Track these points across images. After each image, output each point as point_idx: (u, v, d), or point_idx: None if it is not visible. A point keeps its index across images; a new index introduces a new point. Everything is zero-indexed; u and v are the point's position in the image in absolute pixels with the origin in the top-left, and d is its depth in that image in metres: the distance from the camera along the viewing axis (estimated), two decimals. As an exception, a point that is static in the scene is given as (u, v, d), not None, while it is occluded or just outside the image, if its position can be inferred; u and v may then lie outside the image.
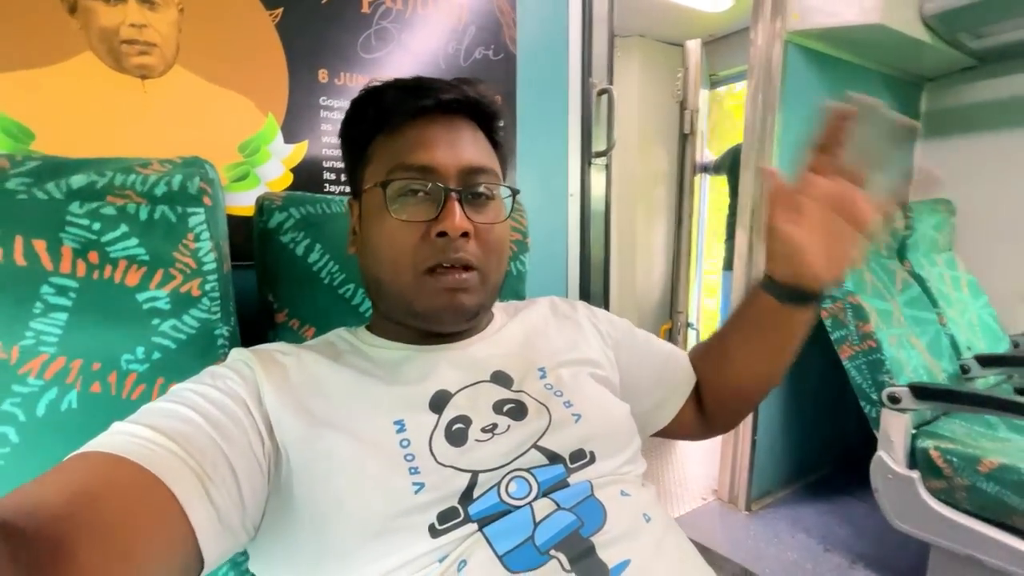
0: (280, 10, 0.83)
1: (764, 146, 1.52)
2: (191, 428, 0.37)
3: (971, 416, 1.38)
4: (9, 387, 0.49)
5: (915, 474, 1.21)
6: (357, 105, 0.52)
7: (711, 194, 2.68)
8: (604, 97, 1.20)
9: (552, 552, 0.38)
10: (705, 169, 2.37)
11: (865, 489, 1.31)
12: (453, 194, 0.47)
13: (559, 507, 0.41)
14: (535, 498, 0.42)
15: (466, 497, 0.41)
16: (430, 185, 0.47)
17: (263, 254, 0.67)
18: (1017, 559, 1.06)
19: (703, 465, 1.92)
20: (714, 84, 2.54)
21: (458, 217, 0.46)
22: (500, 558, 0.38)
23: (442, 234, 0.46)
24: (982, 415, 1.38)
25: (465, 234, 0.47)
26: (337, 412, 0.44)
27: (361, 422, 0.44)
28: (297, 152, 0.87)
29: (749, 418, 1.62)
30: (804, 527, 1.53)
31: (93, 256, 0.51)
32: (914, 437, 1.26)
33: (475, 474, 0.42)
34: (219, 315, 0.58)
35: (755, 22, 1.50)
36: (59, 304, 0.51)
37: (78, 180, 0.50)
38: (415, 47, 0.95)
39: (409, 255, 0.47)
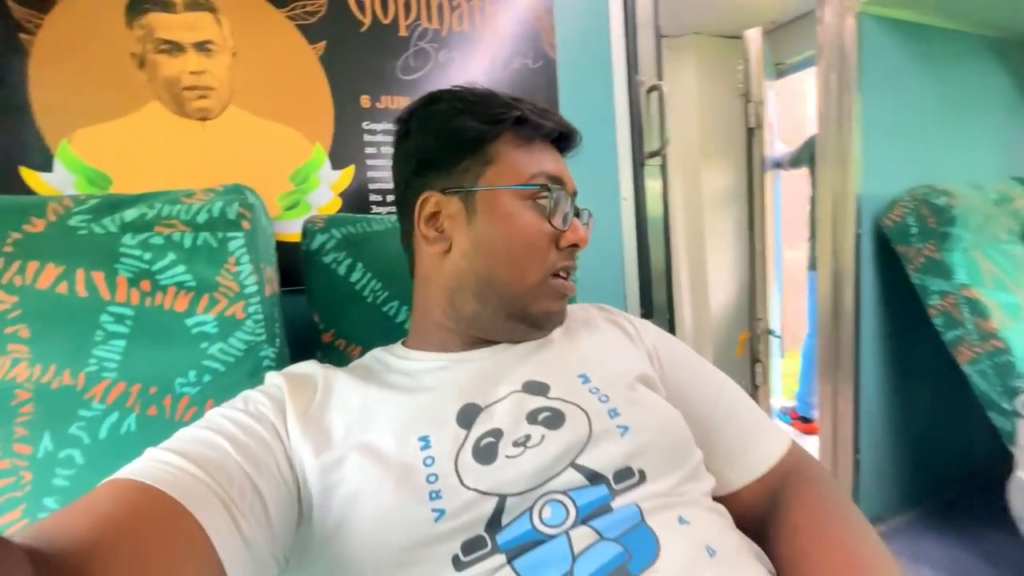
0: (323, 43, 0.86)
1: (843, 132, 1.38)
2: (219, 455, 0.37)
3: None
4: (76, 412, 0.52)
5: (1070, 498, 1.01)
6: (484, 104, 0.52)
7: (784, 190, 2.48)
8: (654, 95, 1.14)
9: None
10: (779, 164, 2.20)
11: (1002, 515, 1.10)
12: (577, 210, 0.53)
13: (602, 537, 0.36)
14: (572, 525, 0.37)
15: (493, 524, 0.37)
16: (568, 202, 0.52)
17: (309, 275, 0.69)
18: None
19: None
20: (780, 74, 2.38)
21: (583, 231, 0.52)
22: None
23: (573, 246, 0.51)
24: None
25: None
26: (358, 431, 0.43)
27: (383, 440, 0.42)
28: (344, 177, 0.89)
29: (848, 433, 1.43)
30: (928, 561, 1.32)
31: (145, 284, 0.54)
32: (1064, 454, 1.05)
33: (503, 498, 0.38)
34: (264, 336, 0.59)
35: (821, -2, 1.38)
36: (117, 332, 0.53)
37: (131, 214, 0.54)
38: (453, 64, 0.95)
39: (541, 257, 0.50)
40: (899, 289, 1.36)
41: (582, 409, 0.43)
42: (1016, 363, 1.12)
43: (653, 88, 1.14)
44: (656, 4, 1.15)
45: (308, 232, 0.68)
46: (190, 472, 0.35)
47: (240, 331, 0.58)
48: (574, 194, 0.54)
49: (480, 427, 0.43)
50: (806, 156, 2.12)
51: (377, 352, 0.56)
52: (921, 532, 1.43)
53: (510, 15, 0.99)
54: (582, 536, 0.36)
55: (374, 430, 0.42)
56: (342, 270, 0.68)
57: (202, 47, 0.80)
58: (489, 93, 0.53)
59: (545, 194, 0.50)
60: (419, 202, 0.52)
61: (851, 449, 1.42)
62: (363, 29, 0.88)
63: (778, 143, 2.31)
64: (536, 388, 0.46)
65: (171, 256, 0.54)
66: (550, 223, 0.50)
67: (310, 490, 0.40)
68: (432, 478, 0.39)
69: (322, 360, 0.69)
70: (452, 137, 0.51)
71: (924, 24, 1.42)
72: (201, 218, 0.55)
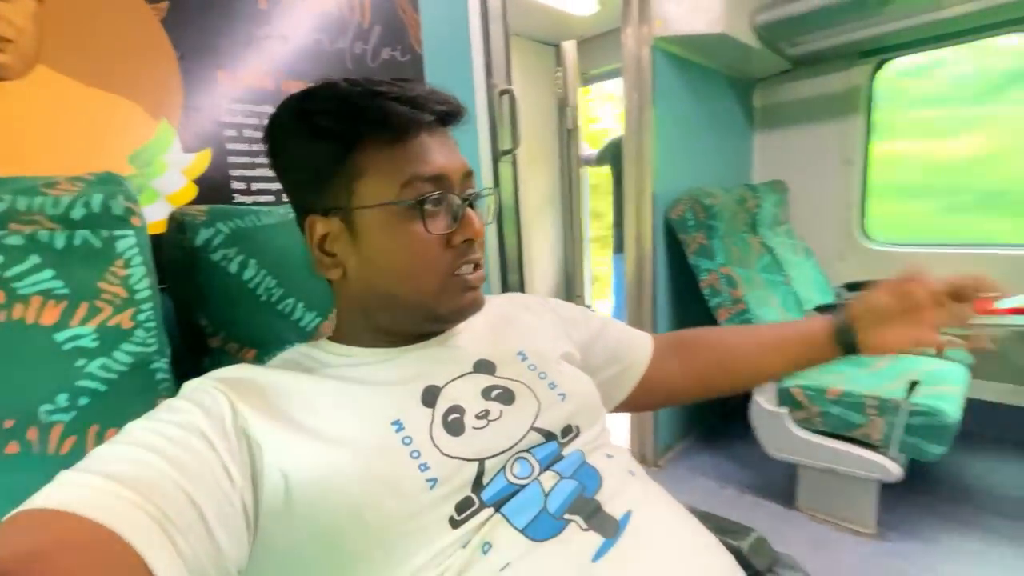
0: (165, 4, 0.74)
1: (643, 137, 1.69)
2: (148, 471, 0.34)
3: (816, 356, 1.69)
4: None
5: (784, 410, 1.47)
6: (336, 109, 0.47)
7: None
8: (506, 97, 1.25)
9: (567, 516, 0.43)
10: (587, 162, 2.55)
11: (747, 430, 1.55)
12: (466, 202, 0.49)
13: (561, 477, 0.46)
14: (539, 473, 0.46)
15: (477, 485, 0.43)
16: (453, 199, 0.48)
17: (189, 276, 0.61)
18: (863, 464, 1.34)
19: (615, 430, 2.10)
20: (586, 82, 2.73)
21: (478, 223, 0.49)
22: (522, 531, 0.41)
23: (468, 240, 0.48)
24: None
25: None
26: (331, 424, 0.43)
27: (358, 430, 0.43)
28: (199, 161, 0.79)
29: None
30: (702, 471, 1.76)
31: (-3, 295, 0.44)
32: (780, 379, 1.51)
33: (482, 462, 0.44)
34: (155, 347, 0.53)
35: (625, 26, 1.66)
36: (-45, 356, 0.42)
37: (-33, 207, 0.42)
38: (322, 48, 0.91)
39: (434, 264, 0.48)
40: (681, 269, 1.76)
41: (527, 386, 0.52)
42: (753, 319, 1.57)
43: (505, 91, 1.25)
44: (505, 8, 1.25)
45: (188, 226, 0.61)
46: (116, 493, 0.32)
47: (127, 343, 0.50)
48: (467, 175, 0.50)
49: (443, 404, 0.47)
50: (608, 156, 2.51)
51: (303, 348, 0.54)
52: (697, 450, 1.90)
53: (377, 3, 0.98)
54: (548, 479, 0.45)
55: (345, 423, 0.43)
56: (233, 268, 0.63)
57: (-10, -15, 0.62)
58: (344, 92, 0.47)
59: (421, 200, 0.46)
60: (306, 227, 0.50)
61: (653, 395, 1.79)
62: (216, -5, 0.79)
63: (584, 144, 2.67)
64: (485, 367, 0.52)
65: (34, 259, 0.44)
66: (429, 231, 0.47)
67: (288, 483, 0.39)
68: (416, 453, 0.43)
69: (212, 366, 0.63)
70: (312, 153, 0.48)
71: (694, 61, 1.82)
72: (76, 214, 0.46)
